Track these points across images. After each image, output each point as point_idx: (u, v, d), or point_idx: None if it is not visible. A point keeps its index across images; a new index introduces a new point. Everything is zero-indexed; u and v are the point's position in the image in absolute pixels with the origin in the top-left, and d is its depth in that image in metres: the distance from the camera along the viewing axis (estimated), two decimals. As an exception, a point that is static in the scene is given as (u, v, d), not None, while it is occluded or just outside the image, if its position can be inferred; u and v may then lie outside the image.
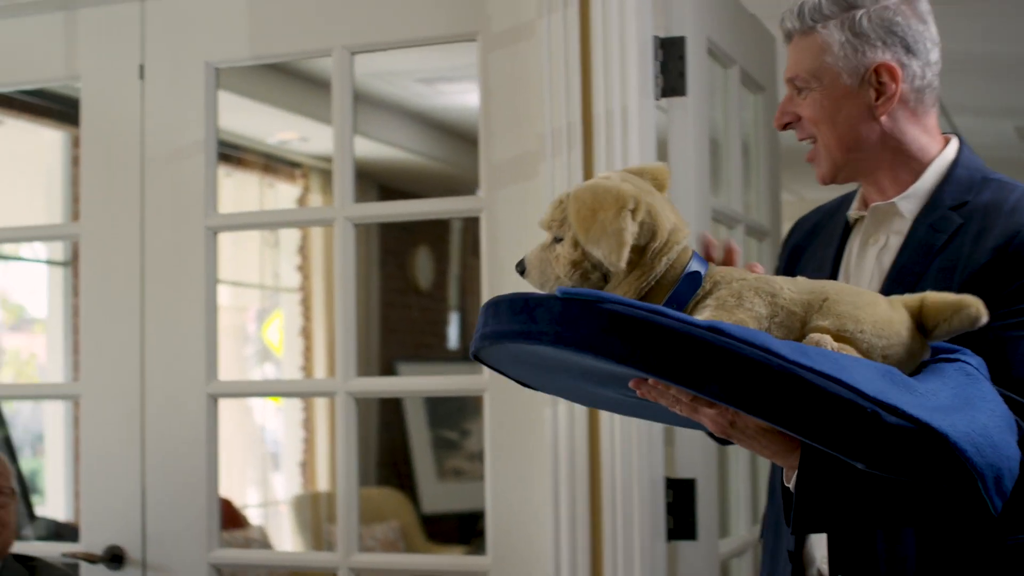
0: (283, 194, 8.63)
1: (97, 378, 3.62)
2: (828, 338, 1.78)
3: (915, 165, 2.25)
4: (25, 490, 5.63)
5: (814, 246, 2.41)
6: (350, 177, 3.39)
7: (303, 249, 8.65)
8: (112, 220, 3.62)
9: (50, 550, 3.83)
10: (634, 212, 1.81)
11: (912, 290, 1.95)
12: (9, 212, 6.99)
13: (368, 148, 7.98)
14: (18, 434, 7.57)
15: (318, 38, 3.47)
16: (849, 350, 1.78)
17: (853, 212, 2.33)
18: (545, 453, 3.12)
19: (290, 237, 8.64)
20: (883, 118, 2.21)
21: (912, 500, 1.78)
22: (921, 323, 1.86)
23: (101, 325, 3.63)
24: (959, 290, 1.93)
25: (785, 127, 2.29)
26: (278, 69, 7.07)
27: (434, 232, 9.63)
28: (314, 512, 7.96)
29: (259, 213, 6.81)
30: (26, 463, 7.61)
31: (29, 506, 5.72)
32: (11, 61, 3.81)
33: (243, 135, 8.01)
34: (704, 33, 3.22)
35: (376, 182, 8.96)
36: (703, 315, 1.81)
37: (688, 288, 1.84)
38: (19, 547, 3.50)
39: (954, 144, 2.28)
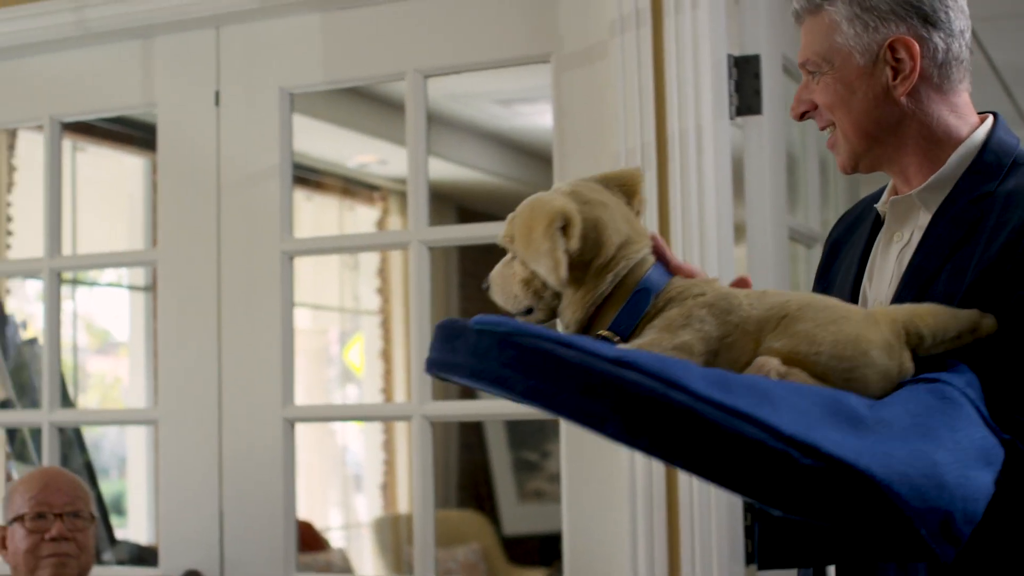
0: (362, 217, 8.66)
1: (175, 403, 3.64)
2: (774, 362, 1.66)
3: (942, 150, 2.00)
4: (106, 514, 5.65)
5: (851, 241, 2.20)
6: (424, 200, 3.38)
7: (382, 271, 8.67)
8: (189, 245, 3.64)
9: (129, 575, 3.85)
10: (566, 228, 1.71)
11: (926, 291, 1.86)
12: (93, 238, 7.06)
13: (446, 170, 7.99)
14: (104, 457, 7.65)
15: (391, 62, 3.47)
16: (798, 375, 1.66)
17: (881, 204, 2.11)
18: (623, 476, 3.09)
19: (369, 260, 8.66)
20: (903, 99, 1.97)
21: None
22: (908, 338, 1.75)
23: (179, 350, 3.65)
24: (968, 291, 1.82)
25: (802, 117, 2.09)
26: (357, 93, 7.09)
27: (514, 253, 9.58)
28: (395, 534, 7.96)
29: (334, 237, 6.83)
30: (112, 485, 7.69)
31: (110, 530, 5.75)
32: (91, 89, 3.85)
33: (323, 159, 8.05)
34: (779, 50, 3.19)
35: (455, 203, 8.97)
36: (646, 337, 1.71)
37: (635, 306, 1.74)
38: (99, 572, 3.51)
39: (987, 124, 2.03)
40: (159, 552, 3.72)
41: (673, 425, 1.47)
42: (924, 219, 2.00)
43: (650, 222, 3.06)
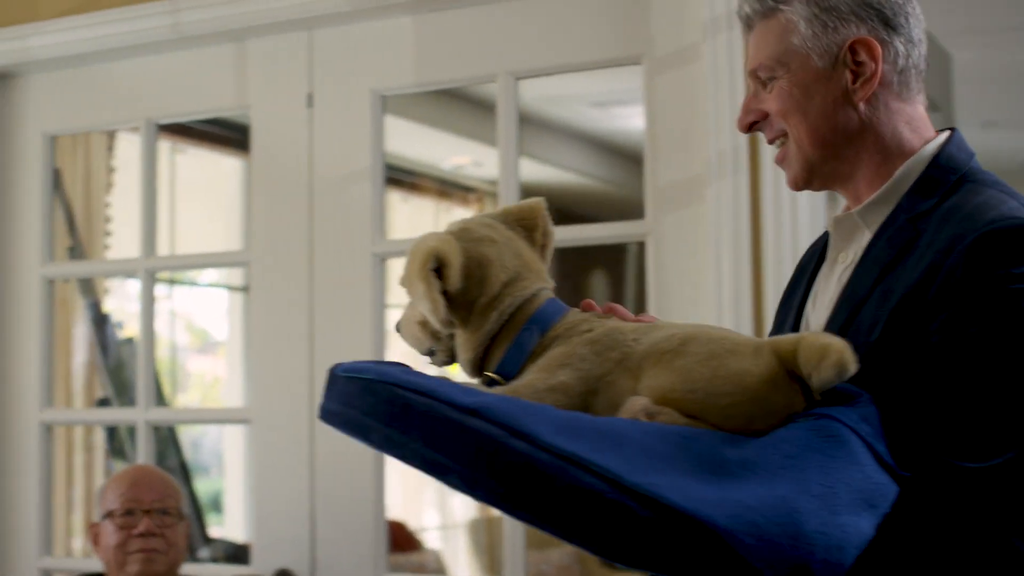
0: (458, 218, 8.66)
1: (267, 402, 3.66)
2: (642, 402, 1.56)
3: (894, 165, 1.86)
4: (200, 512, 5.71)
5: (809, 267, 2.04)
6: (515, 201, 3.37)
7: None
8: (282, 246, 3.66)
9: (221, 572, 3.88)
10: (441, 270, 1.65)
11: (856, 316, 1.75)
12: (193, 239, 7.14)
13: (541, 172, 7.99)
14: (203, 455, 7.73)
15: (483, 64, 3.47)
16: (669, 414, 1.55)
17: (829, 224, 1.97)
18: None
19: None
20: (861, 105, 1.84)
21: None
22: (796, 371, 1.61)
23: (271, 350, 3.67)
24: (890, 317, 1.70)
25: (750, 128, 1.94)
26: (452, 94, 7.11)
27: (610, 255, 9.60)
28: (489, 536, 7.96)
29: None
30: (211, 484, 7.76)
31: (203, 528, 5.80)
32: (185, 91, 3.89)
33: (418, 161, 8.08)
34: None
35: (550, 206, 8.95)
36: (525, 378, 1.63)
37: (521, 345, 1.67)
38: (191, 569, 3.54)
39: (940, 138, 1.88)
40: (252, 551, 3.75)
41: (511, 475, 1.41)
42: (867, 239, 1.86)
43: (742, 226, 3.03)
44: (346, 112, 3.61)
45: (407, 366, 1.62)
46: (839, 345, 1.57)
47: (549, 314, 1.70)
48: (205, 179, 7.35)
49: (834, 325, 1.79)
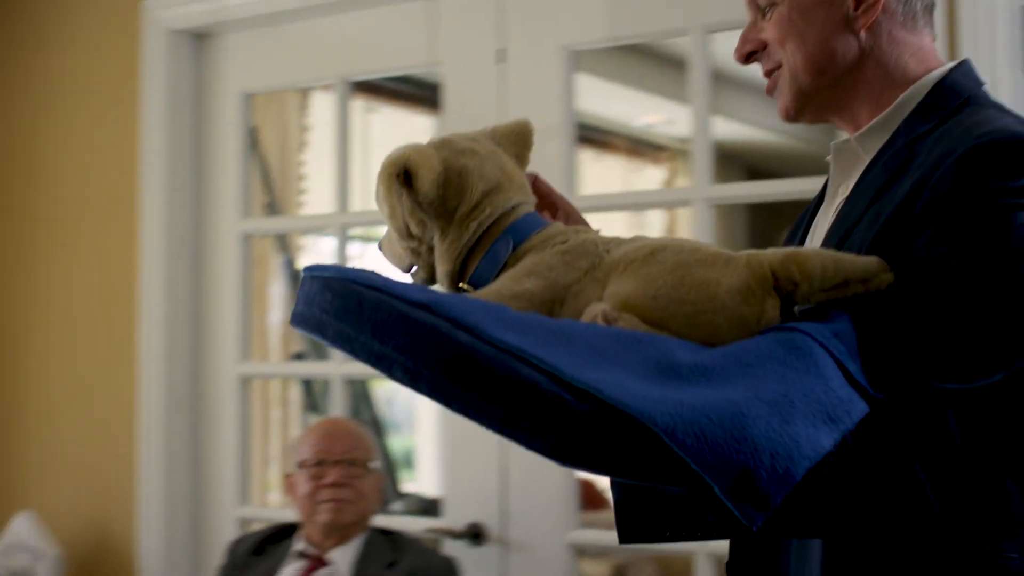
0: (650, 177, 8.62)
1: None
2: (601, 307, 1.51)
3: (894, 94, 1.77)
4: (391, 467, 5.79)
5: (813, 205, 1.97)
6: (708, 157, 3.34)
7: (670, 232, 8.62)
8: (473, 203, 3.67)
9: (413, 524, 3.93)
10: (413, 178, 1.63)
11: (845, 241, 1.66)
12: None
13: (734, 130, 7.90)
14: (396, 413, 7.83)
15: (675, 18, 3.43)
16: (628, 320, 1.50)
17: (829, 156, 1.89)
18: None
19: (656, 220, 8.63)
20: (863, 33, 1.76)
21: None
22: (781, 283, 1.54)
23: (462, 306, 3.69)
24: (877, 237, 1.60)
25: (748, 59, 1.86)
26: (643, 51, 7.06)
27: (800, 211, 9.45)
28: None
29: (618, 195, 6.81)
30: (403, 440, 7.86)
31: (395, 482, 5.88)
32: (377, 50, 3.92)
33: (609, 119, 8.04)
34: (1082, 0, 3.05)
35: (744, 164, 8.86)
36: (492, 286, 1.61)
37: (494, 256, 1.64)
38: (384, 521, 3.59)
39: (948, 66, 1.78)
40: (444, 505, 3.78)
41: (451, 366, 1.38)
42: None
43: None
44: (537, 68, 3.60)
45: (377, 272, 1.59)
46: (814, 253, 1.53)
47: (527, 226, 1.67)
48: (397, 137, 7.41)
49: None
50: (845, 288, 1.55)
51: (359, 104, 6.59)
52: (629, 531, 1.66)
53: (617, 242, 1.62)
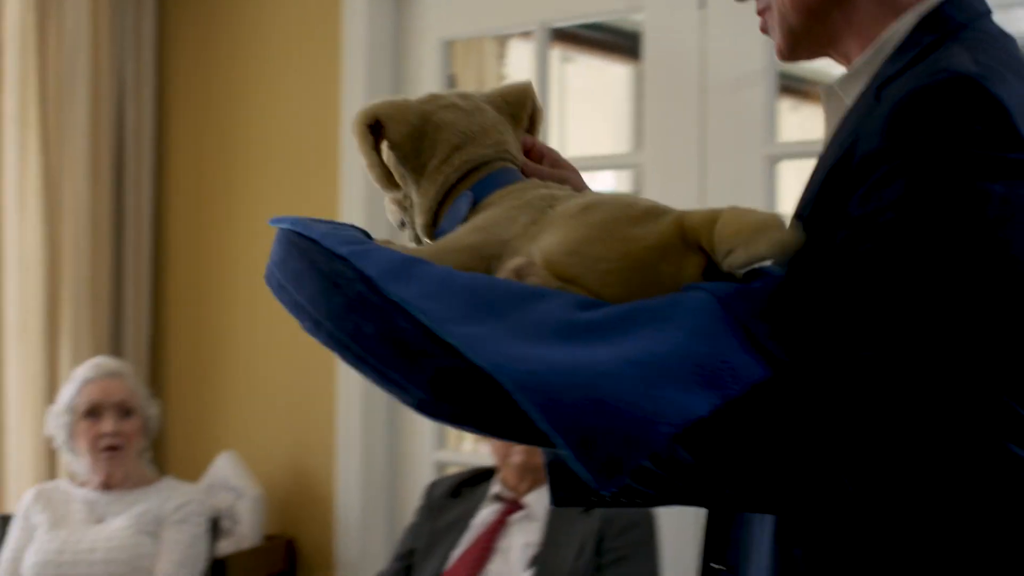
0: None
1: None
2: (512, 263, 1.45)
3: (885, 28, 1.59)
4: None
5: None
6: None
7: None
8: (673, 149, 3.65)
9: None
10: (384, 129, 1.60)
11: (802, 198, 1.52)
12: (583, 143, 7.24)
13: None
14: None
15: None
16: (539, 277, 1.43)
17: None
18: None
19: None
20: None
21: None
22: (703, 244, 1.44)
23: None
24: (818, 194, 1.47)
25: None
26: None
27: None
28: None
29: (818, 141, 6.75)
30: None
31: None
32: (577, -4, 3.90)
33: (809, 67, 7.92)
34: None
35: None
36: (441, 240, 1.57)
37: (456, 211, 1.59)
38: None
39: None
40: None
41: (341, 317, 1.41)
42: None
43: None
44: (738, 14, 3.53)
45: (339, 224, 1.58)
46: (770, 219, 1.40)
47: (493, 182, 1.61)
48: (594, 87, 7.40)
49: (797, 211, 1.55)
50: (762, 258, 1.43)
51: (556, 53, 6.59)
52: (560, 495, 1.65)
53: (567, 197, 1.56)
